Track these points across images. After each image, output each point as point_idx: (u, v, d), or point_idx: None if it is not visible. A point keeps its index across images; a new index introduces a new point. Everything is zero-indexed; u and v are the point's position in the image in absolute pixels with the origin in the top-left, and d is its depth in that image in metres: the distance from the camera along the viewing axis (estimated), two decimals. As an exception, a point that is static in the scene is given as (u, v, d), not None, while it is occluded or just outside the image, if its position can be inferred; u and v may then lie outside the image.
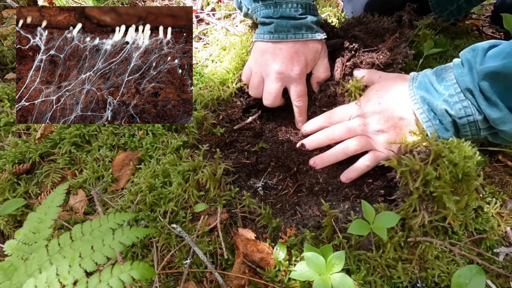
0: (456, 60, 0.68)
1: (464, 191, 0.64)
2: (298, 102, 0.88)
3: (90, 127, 0.89)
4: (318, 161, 0.79)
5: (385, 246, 0.64)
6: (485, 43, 0.64)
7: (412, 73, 0.74)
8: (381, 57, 0.86)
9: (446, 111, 0.65)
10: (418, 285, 0.64)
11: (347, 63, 0.88)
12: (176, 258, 0.67)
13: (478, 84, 0.62)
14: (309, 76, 0.91)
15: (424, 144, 0.65)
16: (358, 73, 0.84)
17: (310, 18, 0.85)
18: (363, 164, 0.75)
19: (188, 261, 0.65)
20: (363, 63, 0.87)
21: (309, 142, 0.83)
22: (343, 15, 1.21)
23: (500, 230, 0.72)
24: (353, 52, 0.89)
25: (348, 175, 0.77)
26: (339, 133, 0.79)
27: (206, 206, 0.72)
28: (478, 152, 0.63)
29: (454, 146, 0.62)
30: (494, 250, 0.70)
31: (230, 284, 0.63)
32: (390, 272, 0.64)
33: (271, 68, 0.86)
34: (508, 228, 0.72)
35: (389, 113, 0.72)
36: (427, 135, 0.68)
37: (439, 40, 1.03)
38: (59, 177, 0.83)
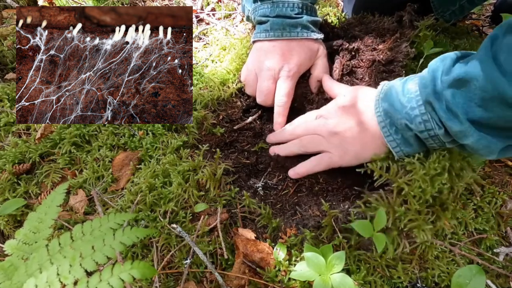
0: (424, 71, 0.65)
1: (439, 211, 0.65)
2: (279, 101, 0.86)
3: (90, 127, 0.89)
4: (276, 150, 0.81)
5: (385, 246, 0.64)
6: (455, 53, 0.62)
7: (383, 82, 0.72)
8: (381, 55, 0.86)
9: (407, 125, 0.63)
10: (418, 285, 0.64)
11: (347, 62, 0.88)
12: (176, 258, 0.67)
13: (442, 94, 0.59)
14: (304, 75, 0.91)
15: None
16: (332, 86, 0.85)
17: (306, 17, 0.85)
18: (311, 163, 0.75)
19: (188, 261, 0.65)
20: (364, 60, 0.87)
21: (272, 138, 0.85)
22: (343, 15, 1.21)
23: (500, 230, 0.72)
24: (353, 53, 0.89)
25: (296, 169, 0.77)
26: (300, 130, 0.79)
27: (206, 206, 0.72)
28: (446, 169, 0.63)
29: (417, 171, 0.63)
30: (494, 250, 0.70)
31: (230, 284, 0.63)
32: (390, 272, 0.64)
33: (264, 65, 0.86)
34: (508, 228, 0.72)
35: (349, 116, 0.72)
36: (390, 154, 0.68)
37: (439, 40, 1.03)
38: (59, 177, 0.83)
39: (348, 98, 0.75)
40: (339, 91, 0.81)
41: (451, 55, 0.61)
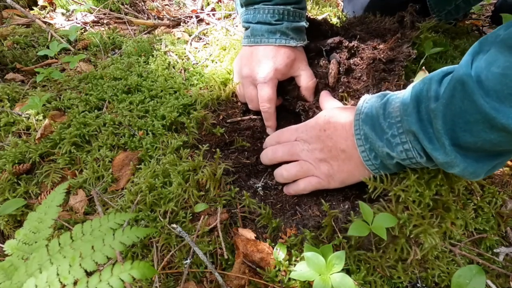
0: (406, 93, 0.60)
1: (443, 213, 0.65)
2: (262, 107, 0.86)
3: (90, 127, 0.89)
4: (285, 190, 0.78)
5: (386, 247, 0.64)
6: (438, 72, 0.57)
7: (362, 99, 0.69)
8: (382, 54, 0.85)
9: (388, 154, 0.61)
10: (418, 285, 0.64)
11: (345, 61, 0.87)
12: (176, 258, 0.66)
13: (430, 123, 0.55)
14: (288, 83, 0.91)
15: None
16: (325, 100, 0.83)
17: (285, 24, 0.85)
18: (298, 186, 0.74)
19: (188, 261, 0.65)
20: (364, 58, 0.86)
21: (261, 157, 0.82)
22: (344, 14, 1.21)
23: (500, 230, 0.72)
24: (352, 51, 0.89)
25: (287, 189, 0.77)
26: (282, 154, 0.77)
27: (206, 206, 0.71)
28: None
29: (410, 176, 0.63)
30: (494, 250, 0.70)
31: (230, 284, 0.63)
32: (390, 272, 0.64)
33: (243, 73, 0.88)
34: (508, 228, 0.72)
35: (332, 143, 0.70)
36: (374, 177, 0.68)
37: (439, 40, 1.03)
38: (59, 177, 0.83)
39: (328, 120, 0.72)
40: (327, 106, 0.81)
41: (435, 77, 0.56)
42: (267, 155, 0.80)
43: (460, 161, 0.54)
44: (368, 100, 0.68)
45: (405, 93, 0.61)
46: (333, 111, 0.74)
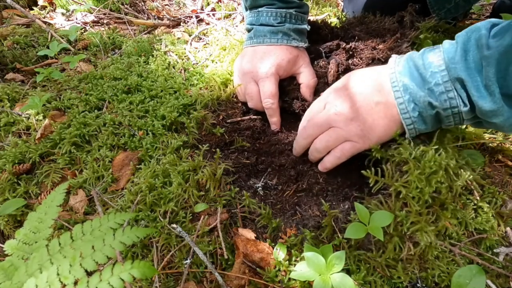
0: (446, 43, 0.61)
1: (439, 211, 0.65)
2: (265, 103, 0.85)
3: (90, 127, 0.89)
4: (320, 167, 0.77)
5: (385, 246, 0.64)
6: (484, 23, 0.56)
7: (394, 56, 0.68)
8: (381, 54, 0.85)
9: (430, 103, 0.60)
10: (418, 285, 0.64)
11: (343, 62, 0.88)
12: (176, 258, 0.66)
13: (479, 71, 0.55)
14: (287, 81, 0.91)
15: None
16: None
17: (287, 25, 0.88)
18: (333, 156, 0.71)
19: (188, 261, 0.65)
20: (363, 58, 0.87)
21: (296, 151, 0.80)
22: (343, 14, 1.21)
23: (500, 230, 0.72)
24: (350, 52, 0.89)
25: (323, 165, 0.74)
26: (312, 131, 0.73)
27: (206, 206, 0.71)
28: (445, 161, 0.62)
29: (412, 171, 0.62)
30: (494, 250, 0.70)
31: (230, 284, 0.63)
32: (390, 272, 0.64)
33: (244, 69, 0.88)
34: (508, 228, 0.72)
35: (363, 97, 0.66)
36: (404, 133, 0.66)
37: (439, 40, 1.03)
38: (59, 177, 0.83)
39: (354, 77, 0.69)
40: None
41: (482, 27, 0.56)
42: (301, 135, 0.76)
43: (506, 110, 0.55)
44: (400, 57, 0.67)
45: (444, 44, 0.61)
46: (353, 72, 0.72)
